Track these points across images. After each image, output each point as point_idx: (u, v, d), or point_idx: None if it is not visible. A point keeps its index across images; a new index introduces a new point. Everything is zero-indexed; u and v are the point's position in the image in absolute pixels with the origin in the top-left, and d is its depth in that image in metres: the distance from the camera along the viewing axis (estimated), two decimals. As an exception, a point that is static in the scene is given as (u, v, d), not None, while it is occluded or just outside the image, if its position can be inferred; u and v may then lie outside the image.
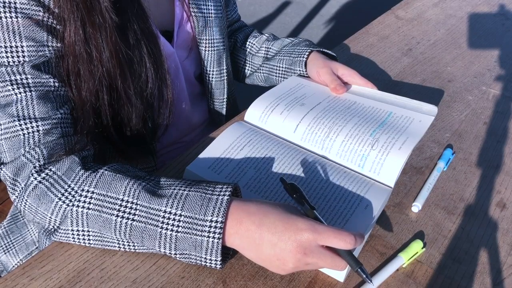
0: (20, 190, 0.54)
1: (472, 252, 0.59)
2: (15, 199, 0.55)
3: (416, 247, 0.58)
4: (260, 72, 0.93)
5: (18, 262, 0.76)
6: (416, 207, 0.64)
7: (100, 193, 0.52)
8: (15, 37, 0.55)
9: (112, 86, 0.62)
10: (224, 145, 0.67)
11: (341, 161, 0.66)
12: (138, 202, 0.51)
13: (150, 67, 0.65)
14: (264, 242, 0.49)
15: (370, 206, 0.59)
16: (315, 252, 0.49)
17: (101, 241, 0.53)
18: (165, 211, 0.51)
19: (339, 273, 0.54)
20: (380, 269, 0.55)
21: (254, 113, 0.74)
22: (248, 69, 0.96)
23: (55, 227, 0.53)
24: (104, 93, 0.61)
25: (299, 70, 0.84)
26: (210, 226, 0.49)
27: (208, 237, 0.49)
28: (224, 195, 0.51)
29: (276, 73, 0.88)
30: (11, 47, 0.55)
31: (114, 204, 0.52)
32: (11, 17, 0.54)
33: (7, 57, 0.55)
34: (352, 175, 0.64)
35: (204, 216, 0.50)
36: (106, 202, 0.52)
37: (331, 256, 0.49)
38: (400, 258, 0.56)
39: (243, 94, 1.07)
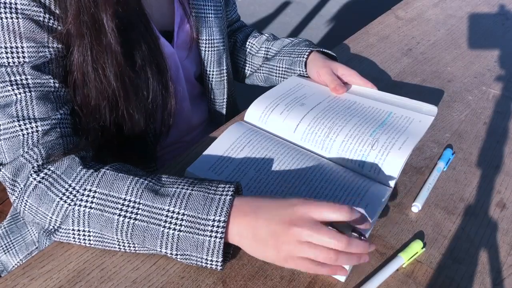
0: (19, 191, 0.54)
1: (472, 252, 0.59)
2: (14, 200, 0.55)
3: (416, 247, 0.58)
4: (260, 72, 0.93)
5: (18, 262, 0.76)
6: (416, 207, 0.64)
7: (103, 192, 0.52)
8: (16, 37, 0.55)
9: (114, 101, 0.63)
10: (224, 146, 0.67)
11: (341, 161, 0.66)
12: (141, 201, 0.51)
13: (155, 83, 0.66)
14: (259, 223, 0.50)
15: (370, 206, 0.59)
16: (307, 224, 0.48)
17: (101, 242, 0.53)
18: (168, 210, 0.51)
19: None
20: (380, 269, 0.55)
21: (254, 113, 0.74)
22: (248, 69, 0.96)
23: (56, 227, 0.53)
24: (107, 107, 0.63)
25: (299, 70, 0.84)
26: (213, 226, 0.50)
27: (210, 236, 0.49)
28: (226, 194, 0.51)
29: (276, 73, 0.88)
30: (11, 47, 0.55)
31: (117, 204, 0.52)
32: (11, 18, 0.54)
33: (7, 57, 0.55)
34: (352, 175, 0.64)
35: (207, 215, 0.50)
36: (109, 202, 0.52)
37: (327, 228, 0.49)
38: (400, 258, 0.56)
39: (243, 94, 1.07)
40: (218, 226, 0.49)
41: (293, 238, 0.48)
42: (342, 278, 0.54)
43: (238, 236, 0.51)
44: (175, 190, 0.52)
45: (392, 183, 0.63)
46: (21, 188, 0.54)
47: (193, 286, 0.53)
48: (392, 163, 0.63)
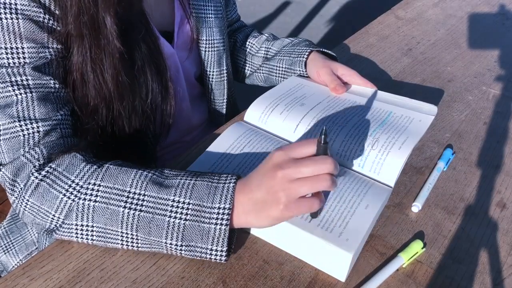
0: (19, 191, 0.54)
1: (472, 252, 0.59)
2: (14, 200, 0.55)
3: (416, 247, 0.58)
4: (260, 72, 0.93)
5: (18, 262, 0.77)
6: (416, 207, 0.64)
7: (107, 186, 0.53)
8: (16, 38, 0.55)
9: (110, 102, 0.63)
10: (224, 146, 0.67)
11: (341, 161, 0.66)
12: (146, 193, 0.52)
13: (155, 84, 0.66)
14: (253, 190, 0.51)
15: (370, 206, 0.59)
16: (290, 162, 0.50)
17: (104, 238, 0.53)
18: (173, 200, 0.51)
19: (340, 272, 0.54)
20: (380, 269, 0.55)
21: (254, 113, 0.74)
22: (248, 69, 0.96)
23: (58, 224, 0.53)
24: (104, 108, 0.63)
25: (299, 70, 0.84)
26: (218, 213, 0.50)
27: (216, 224, 0.50)
28: (230, 182, 0.52)
29: (276, 73, 0.88)
30: (11, 48, 0.55)
31: (121, 196, 0.52)
32: (11, 18, 0.54)
33: (8, 58, 0.55)
34: (352, 175, 0.64)
35: (212, 203, 0.51)
36: (113, 194, 0.52)
37: (309, 158, 0.50)
38: (400, 258, 0.56)
39: (243, 94, 1.07)
40: (223, 214, 0.50)
41: (283, 180, 0.49)
42: (342, 278, 0.54)
43: (243, 214, 0.52)
44: (179, 181, 0.53)
45: (392, 183, 0.63)
46: (21, 188, 0.54)
47: (193, 286, 0.53)
48: (392, 163, 0.63)
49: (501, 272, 0.57)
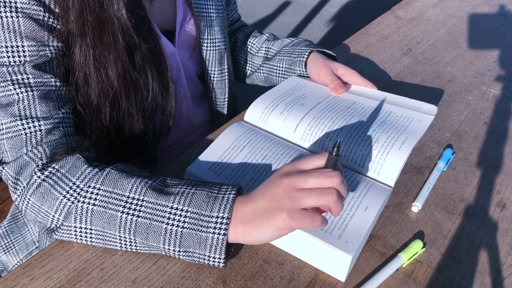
0: (22, 189, 0.54)
1: (472, 252, 0.60)
2: (16, 198, 0.55)
3: (416, 247, 0.58)
4: (260, 72, 0.93)
5: (18, 261, 0.77)
6: (416, 207, 0.64)
7: (106, 190, 0.53)
8: (16, 37, 0.55)
9: (115, 101, 0.63)
10: (224, 145, 0.67)
11: (341, 161, 0.66)
12: (145, 199, 0.52)
13: (155, 84, 0.66)
14: (256, 200, 0.51)
15: (371, 206, 0.59)
16: (297, 173, 0.50)
17: (103, 240, 0.53)
18: (171, 207, 0.51)
19: (340, 272, 0.54)
20: (380, 269, 0.55)
21: (254, 113, 0.74)
22: (248, 69, 0.96)
23: (58, 225, 0.53)
24: (107, 106, 0.63)
25: (299, 70, 0.84)
26: (216, 222, 0.50)
27: (214, 233, 0.50)
28: (230, 193, 0.52)
29: (276, 73, 0.89)
30: (12, 46, 0.55)
31: (120, 201, 0.52)
32: (12, 17, 0.54)
33: (8, 57, 0.55)
34: (352, 175, 0.64)
35: (211, 212, 0.50)
36: (112, 199, 0.52)
37: (315, 170, 0.50)
38: (400, 258, 0.56)
39: (243, 94, 1.07)
40: (221, 223, 0.50)
41: (288, 188, 0.49)
42: (342, 278, 0.54)
43: (242, 225, 0.51)
44: (178, 189, 0.53)
45: (392, 183, 0.64)
46: (23, 187, 0.54)
47: (193, 286, 0.53)
48: (392, 163, 0.64)
49: (501, 272, 0.57)
